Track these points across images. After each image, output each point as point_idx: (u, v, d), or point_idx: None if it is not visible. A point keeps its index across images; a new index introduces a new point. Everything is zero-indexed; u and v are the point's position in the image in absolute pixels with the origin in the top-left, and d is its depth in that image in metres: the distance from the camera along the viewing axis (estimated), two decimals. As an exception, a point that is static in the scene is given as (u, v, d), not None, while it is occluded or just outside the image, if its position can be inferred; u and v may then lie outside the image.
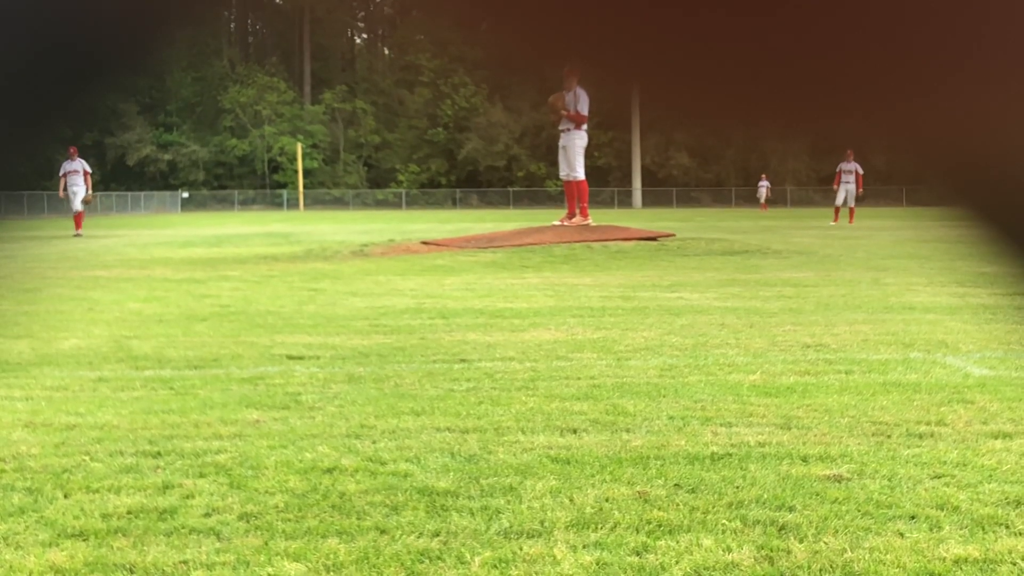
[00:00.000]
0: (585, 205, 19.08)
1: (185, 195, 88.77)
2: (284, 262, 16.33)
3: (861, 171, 33.24)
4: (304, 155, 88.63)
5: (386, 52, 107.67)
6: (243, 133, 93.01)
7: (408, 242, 19.47)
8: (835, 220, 33.91)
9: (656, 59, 0.51)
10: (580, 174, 18.65)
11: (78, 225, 27.59)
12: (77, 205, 27.63)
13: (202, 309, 9.83)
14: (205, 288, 11.98)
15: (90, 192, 28.10)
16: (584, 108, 17.98)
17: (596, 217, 20.43)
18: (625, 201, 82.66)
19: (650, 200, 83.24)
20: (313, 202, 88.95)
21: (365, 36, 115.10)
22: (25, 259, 17.87)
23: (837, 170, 34.44)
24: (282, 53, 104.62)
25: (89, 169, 27.90)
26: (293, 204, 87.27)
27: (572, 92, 17.94)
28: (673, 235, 19.46)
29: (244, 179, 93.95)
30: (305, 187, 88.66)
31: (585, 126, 18.20)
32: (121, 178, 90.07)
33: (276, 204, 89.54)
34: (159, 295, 11.24)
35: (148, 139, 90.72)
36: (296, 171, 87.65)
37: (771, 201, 64.28)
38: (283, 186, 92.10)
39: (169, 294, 11.35)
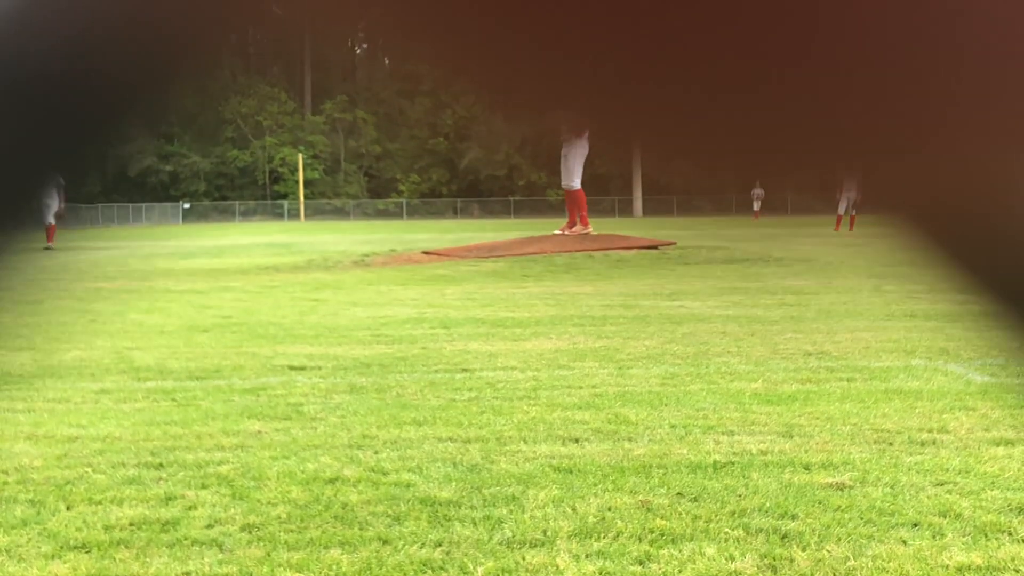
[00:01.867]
0: (584, 214, 19.02)
1: (186, 206, 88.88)
2: (285, 273, 16.33)
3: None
4: (305, 165, 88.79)
5: (386, 62, 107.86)
6: (244, 144, 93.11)
7: (409, 252, 19.49)
8: (837, 228, 34.02)
9: (650, 113, 0.52)
10: (576, 183, 18.65)
11: (49, 238, 27.16)
12: (48, 218, 27.15)
13: (204, 320, 9.83)
14: (207, 299, 11.98)
15: (63, 204, 27.59)
16: None
17: (597, 226, 20.44)
18: (626, 209, 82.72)
19: (651, 208, 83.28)
20: (314, 212, 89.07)
21: (365, 46, 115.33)
22: (27, 270, 17.85)
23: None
24: (283, 63, 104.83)
25: (62, 180, 27.37)
26: (294, 214, 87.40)
27: None
28: (674, 243, 19.47)
29: (245, 190, 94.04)
30: (306, 197, 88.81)
31: (585, 135, 18.20)
32: (122, 189, 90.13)
33: (277, 215, 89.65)
34: (161, 306, 11.24)
35: (149, 150, 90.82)
36: (297, 181, 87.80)
37: (771, 208, 64.25)
38: (284, 196, 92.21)
39: (171, 305, 11.35)
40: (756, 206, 61.98)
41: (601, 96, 0.50)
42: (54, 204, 27.12)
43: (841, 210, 34.34)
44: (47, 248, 26.01)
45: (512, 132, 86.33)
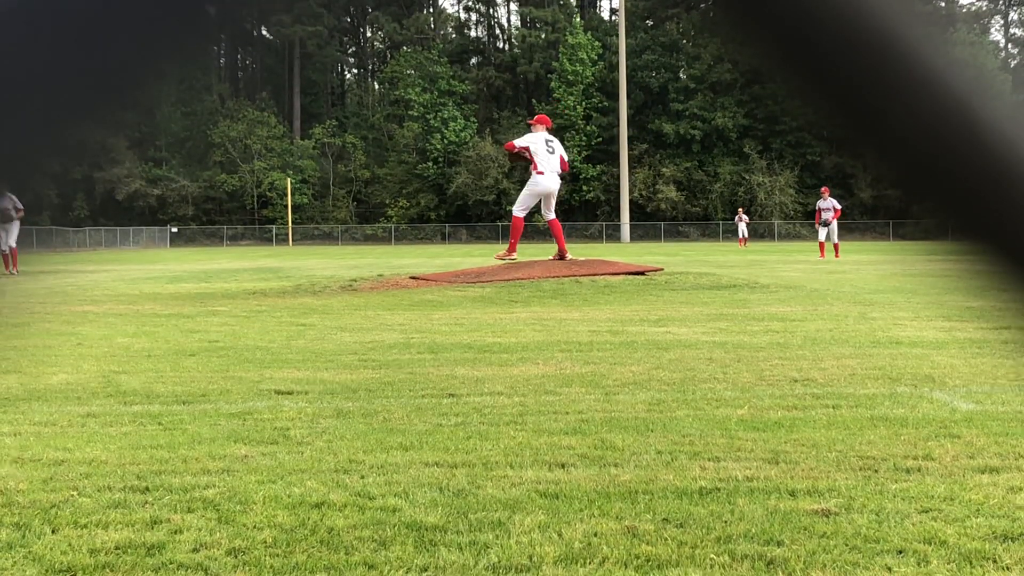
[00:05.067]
0: (513, 242, 19.48)
1: (174, 230, 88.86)
2: (273, 297, 16.32)
3: (839, 207, 33.97)
4: (294, 190, 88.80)
5: (376, 87, 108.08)
6: (233, 168, 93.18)
7: (397, 277, 19.47)
8: (822, 255, 34.16)
9: None
10: (516, 211, 19.32)
11: (14, 264, 26.30)
12: (11, 242, 26.51)
13: (191, 344, 9.82)
14: (194, 323, 11.97)
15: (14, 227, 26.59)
16: (520, 142, 18.54)
17: (585, 251, 20.46)
18: (613, 235, 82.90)
19: (638, 234, 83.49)
20: (302, 237, 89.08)
21: (355, 71, 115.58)
22: (13, 294, 17.84)
23: (816, 209, 35.21)
24: (272, 88, 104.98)
25: (20, 205, 26.21)
26: (282, 239, 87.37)
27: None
28: (661, 269, 19.50)
29: (233, 214, 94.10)
30: (294, 222, 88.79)
31: (535, 168, 18.45)
32: (110, 213, 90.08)
33: (265, 239, 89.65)
34: (148, 330, 11.23)
35: (137, 174, 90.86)
36: (286, 206, 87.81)
37: (758, 234, 64.29)
38: (272, 221, 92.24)
39: (158, 329, 11.33)
40: (744, 233, 61.73)
41: None
42: (15, 229, 26.49)
43: (822, 237, 34.58)
44: (11, 274, 25.50)
45: (501, 158, 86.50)
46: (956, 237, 0.65)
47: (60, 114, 0.55)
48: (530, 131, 18.84)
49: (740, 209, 65.92)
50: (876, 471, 4.78)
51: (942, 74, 0.61)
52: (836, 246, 34.12)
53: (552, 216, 18.93)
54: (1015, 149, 0.61)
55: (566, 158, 19.16)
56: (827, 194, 33.97)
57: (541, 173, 18.35)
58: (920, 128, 0.62)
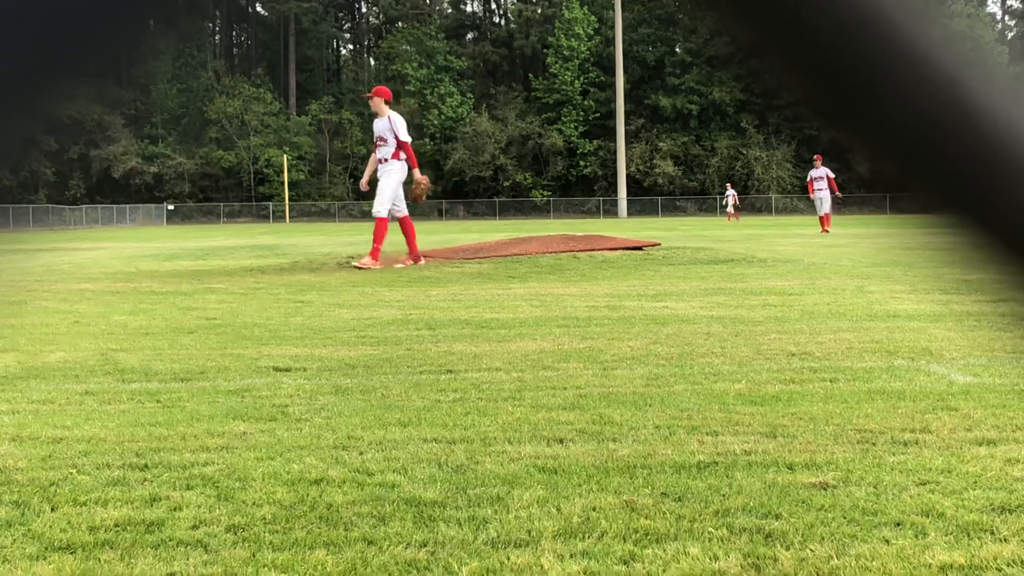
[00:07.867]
0: (378, 247, 17.39)
1: (171, 207, 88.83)
2: (270, 274, 16.31)
3: (832, 175, 33.12)
4: (290, 167, 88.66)
5: (372, 63, 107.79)
6: (229, 145, 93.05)
7: (395, 253, 19.46)
8: (823, 229, 33.43)
9: None
10: (381, 211, 17.69)
11: None
12: None
13: (188, 322, 9.81)
14: (191, 300, 11.96)
15: None
16: (403, 133, 17.10)
17: (582, 227, 20.41)
18: (611, 210, 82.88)
19: (635, 209, 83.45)
20: (299, 214, 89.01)
21: (351, 47, 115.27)
22: (11, 272, 17.81)
23: (808, 179, 34.22)
24: (268, 64, 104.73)
25: None
26: (279, 216, 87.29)
27: (385, 118, 17.09)
28: (658, 244, 19.50)
29: (230, 191, 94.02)
30: (291, 199, 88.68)
31: (396, 156, 17.30)
32: (107, 191, 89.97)
33: (262, 216, 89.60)
34: (145, 308, 11.22)
35: (134, 151, 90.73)
36: (282, 183, 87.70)
37: (756, 208, 64.08)
38: (269, 198, 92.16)
39: (155, 307, 11.33)
40: (729, 208, 61.27)
41: None
42: None
43: (825, 209, 33.73)
44: None
45: (498, 133, 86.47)
46: (951, 214, 0.65)
47: (49, 90, 0.54)
48: (376, 109, 17.21)
49: (729, 184, 65.56)
50: (874, 444, 4.79)
51: (935, 47, 0.61)
52: (827, 217, 33.40)
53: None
54: (1009, 124, 0.61)
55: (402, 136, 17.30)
56: (819, 162, 33.20)
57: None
58: (912, 103, 0.62)
